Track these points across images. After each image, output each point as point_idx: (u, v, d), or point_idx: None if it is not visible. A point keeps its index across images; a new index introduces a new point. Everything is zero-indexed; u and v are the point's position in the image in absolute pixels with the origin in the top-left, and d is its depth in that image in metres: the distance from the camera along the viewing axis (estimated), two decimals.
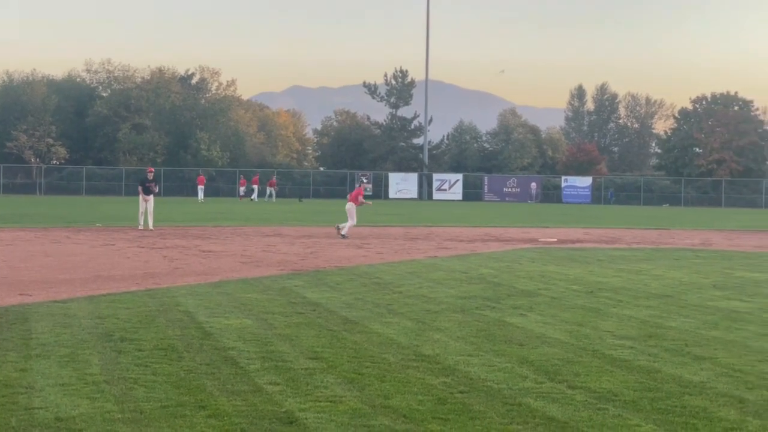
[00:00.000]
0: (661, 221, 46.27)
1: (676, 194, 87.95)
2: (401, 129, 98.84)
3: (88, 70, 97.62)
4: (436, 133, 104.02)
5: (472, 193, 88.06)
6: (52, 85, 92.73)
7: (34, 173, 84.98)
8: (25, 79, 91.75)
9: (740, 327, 11.31)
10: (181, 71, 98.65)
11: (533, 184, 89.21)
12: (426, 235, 29.66)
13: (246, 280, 15.67)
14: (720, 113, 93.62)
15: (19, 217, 36.47)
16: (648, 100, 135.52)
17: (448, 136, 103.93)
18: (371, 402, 7.19)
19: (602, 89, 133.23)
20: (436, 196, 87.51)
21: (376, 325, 10.94)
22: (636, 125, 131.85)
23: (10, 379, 7.73)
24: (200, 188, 67.71)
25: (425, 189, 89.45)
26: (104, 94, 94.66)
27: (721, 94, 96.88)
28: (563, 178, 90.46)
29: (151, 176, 31.09)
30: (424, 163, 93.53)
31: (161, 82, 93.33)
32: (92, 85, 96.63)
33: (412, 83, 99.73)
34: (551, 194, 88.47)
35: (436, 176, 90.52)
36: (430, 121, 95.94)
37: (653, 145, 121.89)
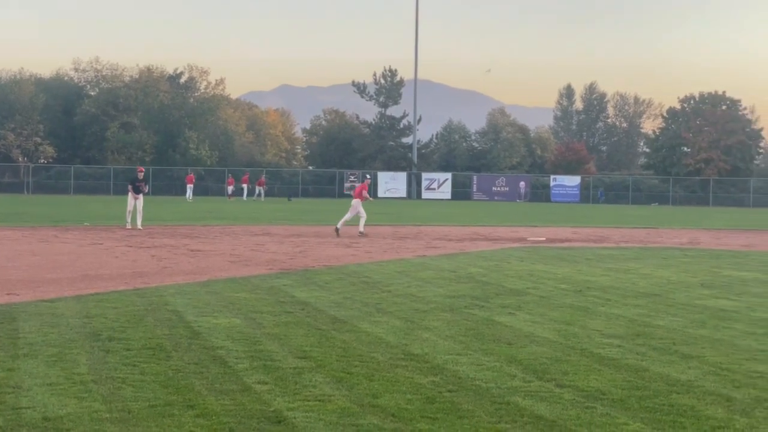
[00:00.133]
0: (649, 220, 46.40)
1: (665, 193, 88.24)
2: (390, 128, 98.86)
3: (76, 69, 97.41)
4: (425, 133, 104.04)
5: (461, 192, 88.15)
6: (39, 83, 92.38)
7: (21, 172, 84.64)
8: (12, 77, 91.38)
9: (727, 325, 11.35)
10: (170, 70, 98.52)
11: (522, 184, 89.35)
12: (415, 234, 29.68)
13: (235, 279, 15.64)
14: (708, 112, 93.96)
15: (6, 216, 36.33)
16: (636, 99, 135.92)
17: (437, 135, 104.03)
18: (360, 401, 7.19)
19: (591, 88, 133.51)
20: (425, 195, 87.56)
21: (365, 324, 10.93)
22: (624, 124, 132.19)
23: None
24: (189, 187, 67.58)
25: (414, 188, 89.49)
26: (92, 93, 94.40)
27: (709, 94, 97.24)
28: (552, 177, 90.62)
29: (141, 176, 31.05)
30: (413, 162, 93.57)
31: (150, 81, 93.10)
32: (80, 84, 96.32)
33: (401, 82, 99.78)
34: (540, 193, 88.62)
35: (425, 175, 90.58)
36: (419, 120, 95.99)
37: (641, 144, 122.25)
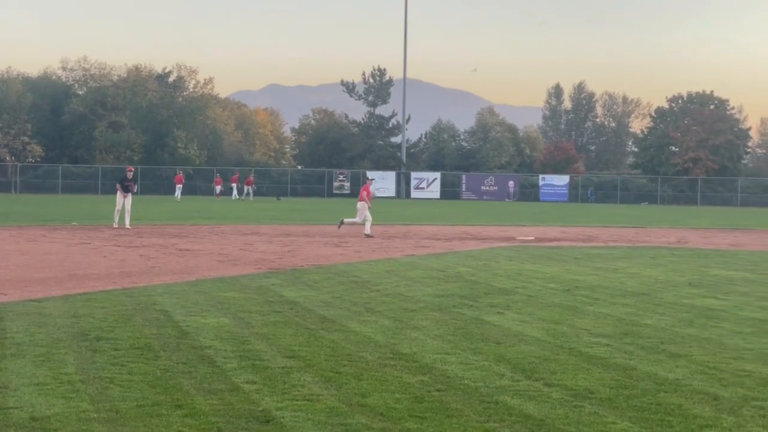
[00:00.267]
0: (637, 220, 46.53)
1: (653, 193, 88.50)
2: (379, 127, 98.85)
3: (64, 68, 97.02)
4: (414, 132, 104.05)
5: (449, 191, 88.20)
6: (27, 83, 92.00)
7: (9, 171, 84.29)
8: (0, 77, 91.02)
9: (715, 324, 11.39)
10: (159, 69, 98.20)
11: (511, 183, 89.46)
12: (404, 234, 29.68)
13: (223, 278, 15.62)
14: (696, 112, 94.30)
15: None
16: (625, 99, 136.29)
17: (426, 134, 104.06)
18: (348, 400, 7.19)
19: (579, 88, 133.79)
20: (414, 194, 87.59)
21: (354, 324, 10.93)
22: (613, 124, 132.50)
23: None
24: (178, 186, 67.41)
25: (403, 187, 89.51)
26: (80, 92, 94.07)
27: (697, 93, 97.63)
28: (541, 176, 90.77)
29: (130, 175, 30.96)
30: (402, 162, 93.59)
31: (138, 80, 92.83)
32: (68, 83, 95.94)
33: (390, 82, 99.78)
34: (529, 193, 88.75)
35: (414, 175, 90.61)
36: (408, 119, 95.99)
37: (630, 143, 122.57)
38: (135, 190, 31.37)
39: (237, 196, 70.68)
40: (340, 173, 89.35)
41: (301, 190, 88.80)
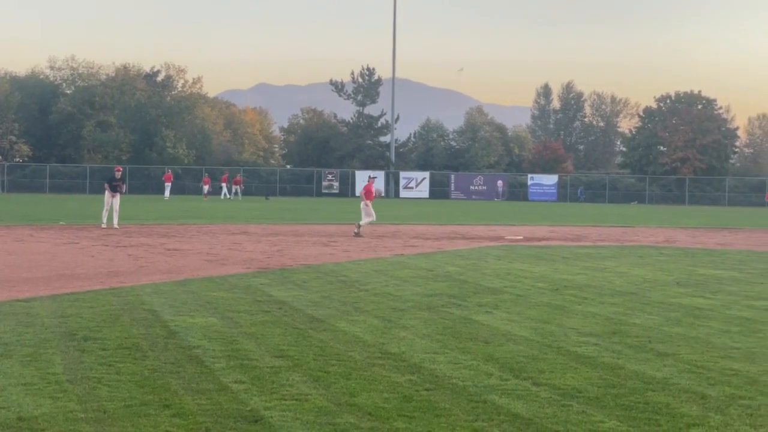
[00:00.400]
0: (625, 219, 46.65)
1: (641, 192, 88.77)
2: (368, 127, 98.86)
3: (51, 67, 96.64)
4: (403, 131, 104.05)
5: (438, 191, 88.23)
6: (15, 82, 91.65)
7: None
8: None
9: (703, 323, 11.43)
10: (147, 68, 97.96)
11: (500, 182, 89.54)
12: (392, 233, 29.68)
13: (212, 278, 15.60)
14: (684, 112, 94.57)
15: None
16: (613, 98, 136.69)
17: (414, 134, 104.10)
18: (337, 400, 7.19)
19: (568, 88, 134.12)
20: (403, 194, 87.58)
21: (342, 323, 10.93)
22: (601, 124, 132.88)
23: None
24: (167, 186, 67.30)
25: (392, 187, 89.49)
26: (68, 92, 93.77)
27: (685, 93, 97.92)
28: (529, 176, 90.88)
29: (118, 175, 30.83)
30: (390, 161, 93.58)
31: (126, 80, 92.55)
32: (56, 82, 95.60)
33: (378, 81, 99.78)
34: (517, 192, 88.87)
35: (402, 174, 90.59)
36: (397, 119, 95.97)
37: (618, 143, 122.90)
38: (123, 190, 31.27)
39: (227, 196, 70.56)
40: (329, 173, 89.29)
41: (289, 189, 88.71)
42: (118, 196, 29.97)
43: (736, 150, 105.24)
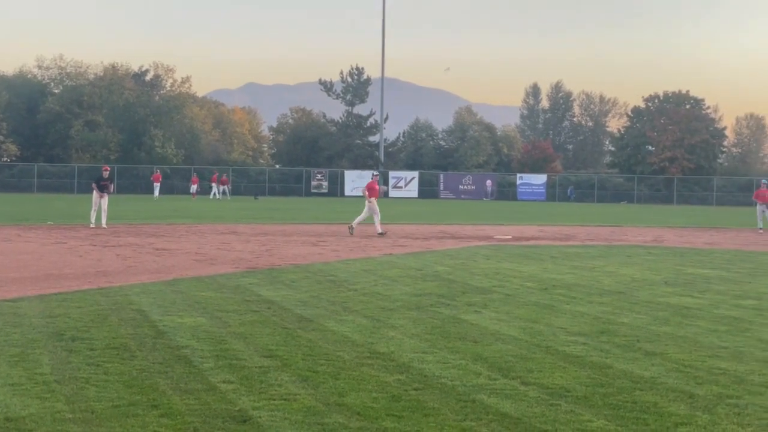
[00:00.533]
0: (614, 218, 46.75)
1: (629, 192, 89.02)
2: (357, 126, 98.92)
3: (39, 67, 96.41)
4: (392, 131, 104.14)
5: (427, 190, 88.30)
6: (2, 81, 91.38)
7: None
8: None
9: (690, 323, 11.46)
10: (135, 68, 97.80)
11: (489, 182, 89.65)
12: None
13: (200, 278, 15.56)
14: (672, 111, 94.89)
15: None
16: (602, 98, 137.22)
17: (404, 133, 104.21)
18: (325, 400, 7.18)
19: (557, 87, 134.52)
20: (392, 193, 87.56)
21: (331, 323, 10.92)
22: (590, 123, 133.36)
23: None
24: (156, 186, 67.18)
25: (381, 186, 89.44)
26: (56, 91, 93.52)
27: (673, 93, 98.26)
28: (518, 175, 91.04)
29: (106, 174, 30.75)
30: (380, 161, 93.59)
31: (114, 79, 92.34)
32: (44, 82, 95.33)
33: (368, 81, 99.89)
34: (506, 192, 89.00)
35: (392, 174, 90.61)
36: (386, 118, 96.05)
37: (607, 143, 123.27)
38: (112, 190, 31.18)
39: (216, 196, 70.43)
40: (318, 172, 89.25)
41: (279, 189, 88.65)
42: (106, 196, 29.90)
43: (724, 150, 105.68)
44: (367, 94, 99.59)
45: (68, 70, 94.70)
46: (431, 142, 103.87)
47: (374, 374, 8.11)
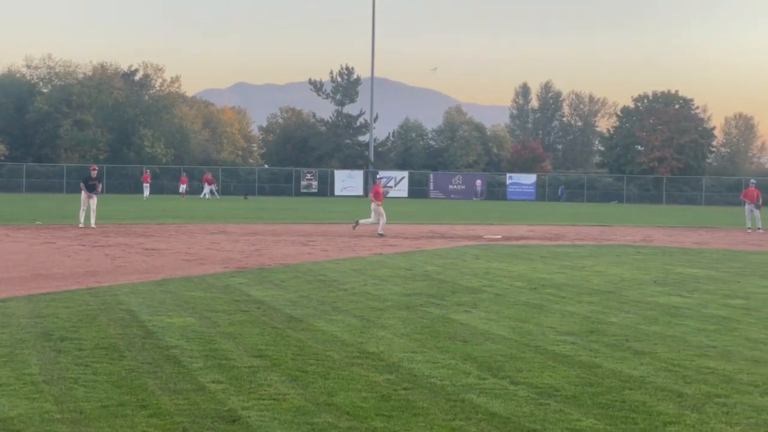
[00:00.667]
0: (603, 218, 46.85)
1: (619, 191, 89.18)
2: (347, 126, 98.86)
3: (28, 66, 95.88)
4: (381, 131, 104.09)
5: (417, 190, 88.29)
6: None
7: None
8: None
9: (679, 322, 11.49)
10: (124, 67, 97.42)
11: (478, 182, 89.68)
12: (371, 232, 29.67)
13: (189, 278, 15.54)
14: (661, 111, 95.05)
15: None
16: (591, 98, 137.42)
17: (393, 133, 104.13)
18: (315, 399, 7.18)
19: (546, 87, 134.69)
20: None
21: (321, 323, 10.92)
22: (579, 123, 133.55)
23: None
24: (146, 186, 67.02)
25: (371, 186, 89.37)
26: (45, 90, 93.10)
27: (662, 93, 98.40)
28: (508, 175, 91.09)
29: (94, 174, 30.65)
30: (369, 161, 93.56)
31: (104, 78, 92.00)
32: (32, 81, 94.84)
33: (357, 80, 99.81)
34: (496, 191, 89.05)
35: (381, 173, 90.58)
36: (376, 118, 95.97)
37: (596, 142, 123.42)
38: (100, 190, 31.09)
39: (206, 196, 70.28)
40: (308, 172, 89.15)
41: (268, 188, 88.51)
42: (95, 196, 29.81)
43: (713, 149, 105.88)
44: (356, 93, 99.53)
45: (57, 70, 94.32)
46: (421, 142, 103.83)
47: (364, 374, 8.11)
